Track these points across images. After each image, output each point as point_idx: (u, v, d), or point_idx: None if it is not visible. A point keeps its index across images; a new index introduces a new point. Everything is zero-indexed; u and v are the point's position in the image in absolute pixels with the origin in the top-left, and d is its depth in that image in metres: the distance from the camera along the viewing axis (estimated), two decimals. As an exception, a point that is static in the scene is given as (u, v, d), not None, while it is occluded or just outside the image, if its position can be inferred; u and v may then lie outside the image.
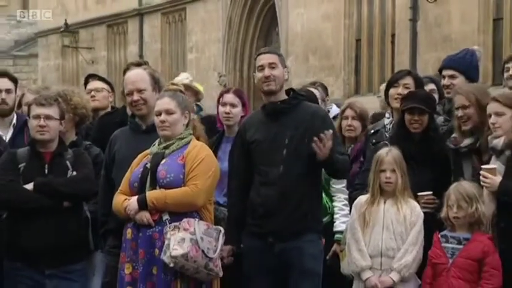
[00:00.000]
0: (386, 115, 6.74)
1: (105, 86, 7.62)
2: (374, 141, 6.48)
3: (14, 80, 7.07)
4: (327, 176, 6.08)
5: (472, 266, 5.54)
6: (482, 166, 5.63)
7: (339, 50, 19.01)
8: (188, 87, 7.61)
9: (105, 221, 5.75)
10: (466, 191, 5.60)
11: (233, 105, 6.45)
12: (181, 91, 5.69)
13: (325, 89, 8.20)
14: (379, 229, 5.79)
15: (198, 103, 8.42)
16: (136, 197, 5.39)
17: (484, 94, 6.01)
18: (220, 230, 5.47)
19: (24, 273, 5.65)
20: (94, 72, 10.86)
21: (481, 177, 5.58)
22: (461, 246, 5.61)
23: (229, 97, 6.50)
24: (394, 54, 17.66)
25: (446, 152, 5.98)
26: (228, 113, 6.43)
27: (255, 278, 5.70)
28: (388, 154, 5.87)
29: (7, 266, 5.75)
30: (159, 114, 5.50)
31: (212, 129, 6.42)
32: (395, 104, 6.36)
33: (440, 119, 6.57)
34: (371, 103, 12.60)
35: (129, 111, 6.23)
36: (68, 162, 5.74)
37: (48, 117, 5.69)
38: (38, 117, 5.69)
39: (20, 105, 7.24)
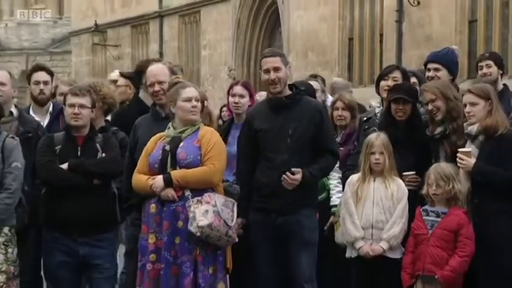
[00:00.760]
0: (378, 104, 6.73)
1: (124, 81, 7.63)
2: (366, 127, 6.47)
3: (51, 73, 7.09)
4: None
5: (449, 236, 5.54)
6: (459, 149, 5.62)
7: (333, 48, 18.94)
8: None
9: (128, 197, 5.75)
10: (444, 171, 5.60)
11: (241, 96, 6.45)
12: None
13: (322, 81, 8.25)
14: (369, 204, 5.80)
15: None
16: (161, 176, 5.38)
17: (447, 87, 6.02)
18: (234, 202, 5.50)
19: (60, 241, 5.65)
20: (120, 69, 10.87)
21: (457, 159, 5.58)
22: (439, 219, 5.61)
23: (238, 89, 6.50)
24: (382, 52, 17.59)
25: (428, 137, 5.98)
26: (237, 103, 6.44)
27: (261, 246, 5.72)
28: (377, 138, 5.86)
29: (46, 235, 5.76)
30: (189, 100, 5.48)
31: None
32: (385, 95, 6.35)
33: (423, 109, 6.55)
34: (361, 94, 12.60)
35: (149, 101, 6.22)
36: (98, 145, 5.73)
37: (81, 105, 5.68)
38: (72, 105, 5.68)
39: (54, 95, 7.25)
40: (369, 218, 5.77)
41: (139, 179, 5.49)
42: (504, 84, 7.41)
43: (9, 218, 5.60)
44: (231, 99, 6.50)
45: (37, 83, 6.90)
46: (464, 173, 5.60)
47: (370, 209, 5.78)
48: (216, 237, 5.33)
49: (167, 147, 5.46)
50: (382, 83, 6.50)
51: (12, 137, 5.71)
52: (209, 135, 5.50)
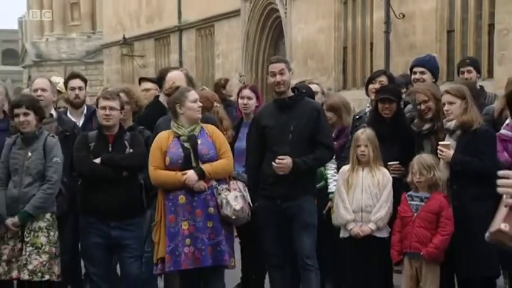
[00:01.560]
0: (367, 104, 6.71)
1: (153, 85, 7.61)
2: (358, 124, 6.46)
3: (85, 80, 7.09)
4: None
5: (432, 218, 5.53)
6: (439, 142, 5.61)
7: (330, 56, 18.93)
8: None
9: (152, 187, 5.75)
10: (426, 161, 5.59)
11: (249, 98, 6.45)
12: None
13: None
14: (359, 191, 5.78)
15: None
16: (192, 170, 5.29)
17: (436, 89, 6.05)
18: (245, 187, 5.51)
19: (95, 225, 5.66)
20: (145, 75, 10.83)
21: (438, 151, 5.57)
22: (423, 203, 5.59)
23: (246, 92, 6.50)
24: (372, 58, 17.56)
25: (411, 133, 5.96)
26: (246, 104, 6.44)
27: (266, 229, 5.71)
28: (363, 133, 5.85)
29: (82, 220, 5.78)
30: (195, 101, 5.45)
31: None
32: (373, 96, 6.34)
33: (409, 107, 6.54)
34: (355, 95, 12.58)
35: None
36: (126, 142, 5.72)
37: (111, 108, 5.67)
38: (104, 108, 5.68)
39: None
40: (359, 203, 5.76)
41: (166, 174, 5.34)
42: (480, 86, 7.42)
43: (50, 205, 5.64)
44: (240, 101, 6.50)
45: (73, 88, 6.90)
46: (444, 163, 5.59)
47: (359, 195, 5.77)
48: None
49: (187, 145, 5.39)
50: (370, 86, 6.51)
51: (53, 136, 5.74)
52: (217, 132, 5.51)
